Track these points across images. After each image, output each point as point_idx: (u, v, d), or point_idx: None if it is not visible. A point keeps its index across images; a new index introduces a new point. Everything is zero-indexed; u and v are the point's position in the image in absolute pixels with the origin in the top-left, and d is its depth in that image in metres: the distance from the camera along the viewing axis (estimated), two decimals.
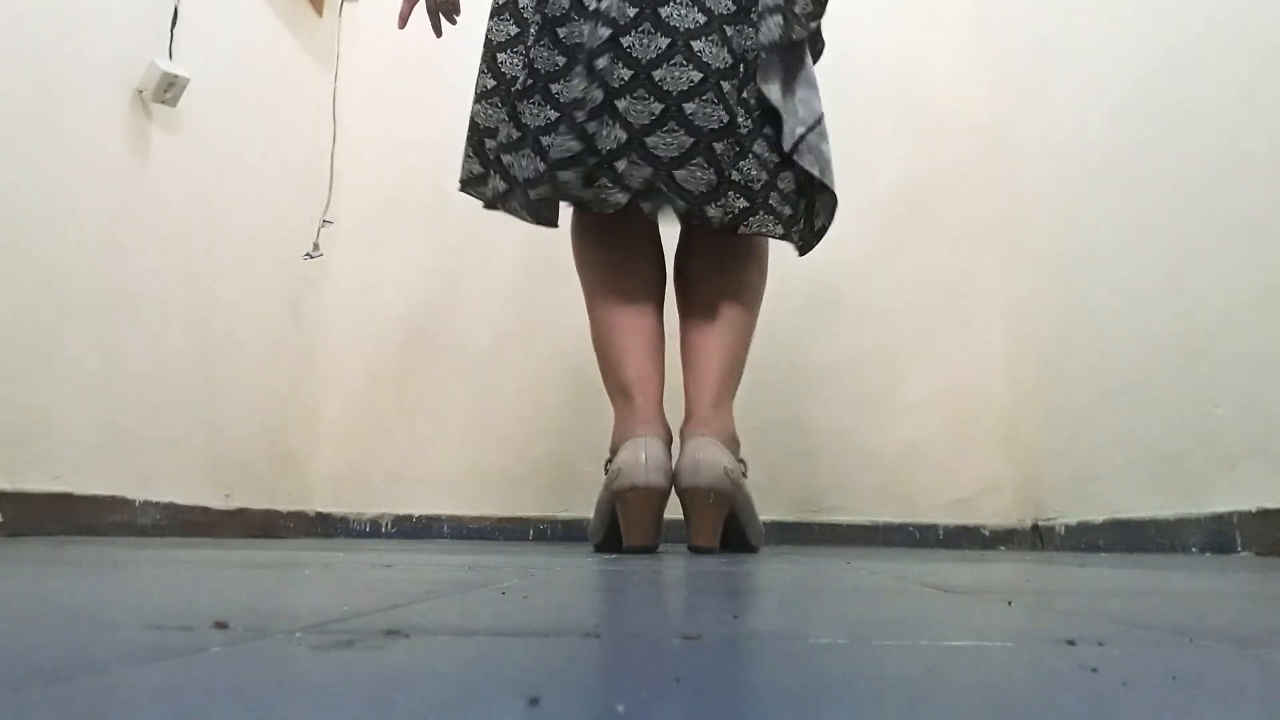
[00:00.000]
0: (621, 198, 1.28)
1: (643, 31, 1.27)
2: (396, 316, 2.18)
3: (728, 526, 1.30)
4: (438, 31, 1.52)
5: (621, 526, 1.26)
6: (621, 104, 1.26)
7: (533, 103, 1.31)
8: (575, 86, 1.27)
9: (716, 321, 1.35)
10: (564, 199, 1.33)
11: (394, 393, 2.14)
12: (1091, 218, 1.73)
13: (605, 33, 1.26)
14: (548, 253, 2.16)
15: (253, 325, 1.85)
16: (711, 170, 1.28)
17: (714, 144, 1.27)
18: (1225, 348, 1.36)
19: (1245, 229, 1.32)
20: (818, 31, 1.40)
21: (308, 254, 2.00)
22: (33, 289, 1.27)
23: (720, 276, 1.38)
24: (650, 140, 1.26)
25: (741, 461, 1.34)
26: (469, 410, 2.12)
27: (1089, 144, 1.74)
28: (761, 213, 1.30)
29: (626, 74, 1.26)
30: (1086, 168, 1.75)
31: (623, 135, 1.26)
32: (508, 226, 2.17)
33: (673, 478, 1.27)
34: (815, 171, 1.31)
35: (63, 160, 1.33)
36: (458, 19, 1.53)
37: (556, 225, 1.38)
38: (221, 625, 0.33)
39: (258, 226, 1.86)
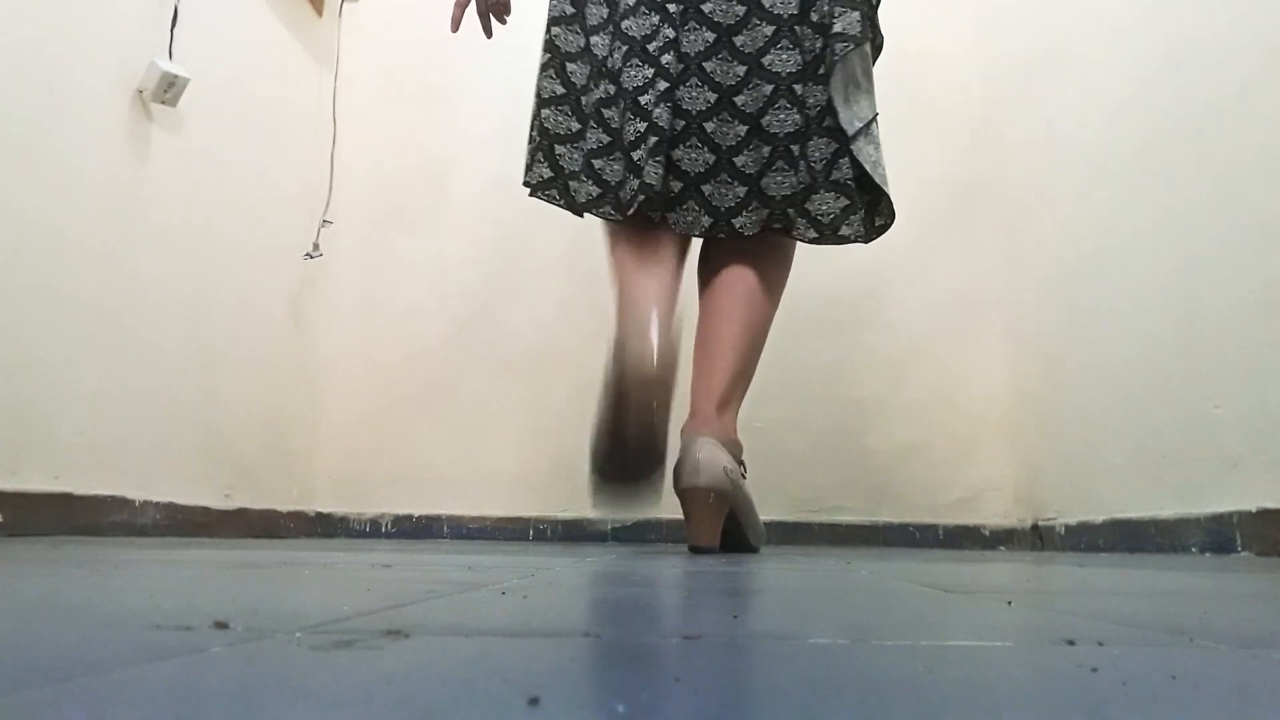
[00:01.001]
0: (706, 221, 1.31)
1: (721, 59, 1.31)
2: (396, 316, 2.18)
3: (727, 527, 1.30)
4: (488, 32, 1.53)
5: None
6: (709, 125, 1.31)
7: (618, 110, 1.33)
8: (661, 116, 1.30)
9: (733, 323, 1.35)
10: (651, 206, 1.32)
11: (394, 393, 2.14)
12: (1092, 219, 1.73)
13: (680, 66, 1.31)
14: (548, 252, 2.16)
15: (253, 325, 1.85)
16: (792, 173, 1.32)
17: (791, 147, 1.32)
18: (1225, 348, 1.36)
19: (1245, 229, 1.32)
20: (877, 26, 1.41)
21: (308, 254, 2.00)
22: (33, 288, 1.27)
23: (743, 278, 1.38)
24: (738, 160, 1.31)
25: (742, 464, 1.34)
26: (469, 410, 2.12)
27: (1089, 145, 1.74)
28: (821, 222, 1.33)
29: (712, 97, 1.31)
30: (1087, 169, 1.75)
31: (710, 158, 1.31)
32: (507, 225, 2.18)
33: (671, 478, 1.27)
34: (867, 168, 1.32)
35: (63, 160, 1.33)
36: (508, 19, 1.54)
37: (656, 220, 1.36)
38: (222, 625, 0.33)
39: (258, 226, 1.86)
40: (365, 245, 2.20)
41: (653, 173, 1.28)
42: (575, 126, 1.38)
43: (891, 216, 1.38)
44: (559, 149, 1.39)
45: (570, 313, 2.12)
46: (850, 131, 1.31)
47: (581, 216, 1.42)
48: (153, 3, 1.53)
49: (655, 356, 1.22)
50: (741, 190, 1.32)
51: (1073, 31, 1.83)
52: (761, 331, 1.38)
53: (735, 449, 1.33)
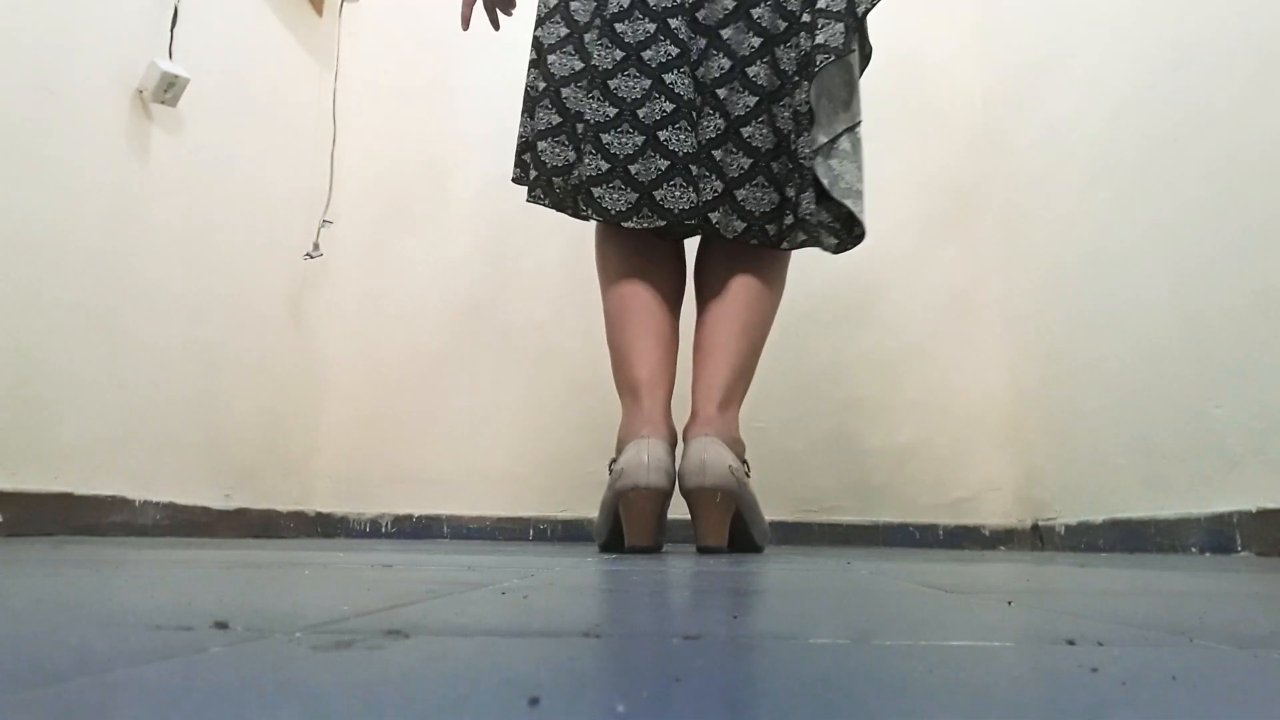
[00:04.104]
0: (691, 198, 1.30)
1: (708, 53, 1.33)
2: (396, 316, 2.18)
3: (733, 526, 1.30)
4: (495, 25, 1.52)
5: (624, 526, 1.27)
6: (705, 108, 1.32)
7: (592, 98, 1.34)
8: (644, 97, 1.30)
9: (731, 323, 1.35)
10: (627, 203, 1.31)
11: (393, 393, 2.14)
12: (1092, 218, 1.73)
13: (674, 50, 1.31)
14: (549, 251, 2.16)
15: (253, 325, 1.85)
16: (772, 189, 1.32)
17: (771, 164, 1.32)
18: (1225, 348, 1.36)
19: (1246, 229, 1.32)
20: (865, 36, 1.41)
21: (308, 254, 2.01)
22: (33, 289, 1.27)
23: (740, 278, 1.38)
24: (716, 155, 1.31)
25: (745, 463, 1.34)
26: (469, 410, 2.12)
27: (1089, 144, 1.74)
28: (801, 232, 1.34)
29: (693, 91, 1.31)
30: (1087, 168, 1.75)
31: (691, 146, 1.30)
32: (507, 225, 2.18)
33: (677, 478, 1.27)
34: (825, 183, 1.32)
35: (63, 160, 1.33)
36: (514, 11, 1.54)
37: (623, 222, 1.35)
38: (222, 625, 0.33)
39: (258, 226, 1.86)
40: (365, 245, 2.20)
41: (672, 195, 1.29)
42: (556, 120, 1.37)
43: (861, 231, 1.38)
44: (541, 145, 1.39)
45: (571, 312, 2.12)
46: (811, 149, 1.32)
47: (565, 212, 1.41)
48: (153, 3, 1.53)
49: (653, 474, 1.24)
50: (720, 185, 1.32)
51: (1072, 32, 1.83)
52: (761, 331, 1.38)
53: (739, 448, 1.33)
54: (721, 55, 1.32)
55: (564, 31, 1.38)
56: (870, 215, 2.16)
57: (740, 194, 1.31)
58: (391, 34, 2.30)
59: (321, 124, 2.11)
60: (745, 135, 1.31)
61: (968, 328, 2.11)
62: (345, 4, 2.24)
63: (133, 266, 1.48)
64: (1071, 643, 0.32)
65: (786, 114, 1.33)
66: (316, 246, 2.02)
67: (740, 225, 1.33)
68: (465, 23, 1.49)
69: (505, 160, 2.17)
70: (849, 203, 1.33)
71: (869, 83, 2.19)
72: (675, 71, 1.31)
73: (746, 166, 1.31)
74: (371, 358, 2.16)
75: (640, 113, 1.31)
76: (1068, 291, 1.82)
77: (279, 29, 1.97)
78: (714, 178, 1.31)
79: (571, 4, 1.38)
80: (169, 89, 1.51)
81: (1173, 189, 1.49)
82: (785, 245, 1.36)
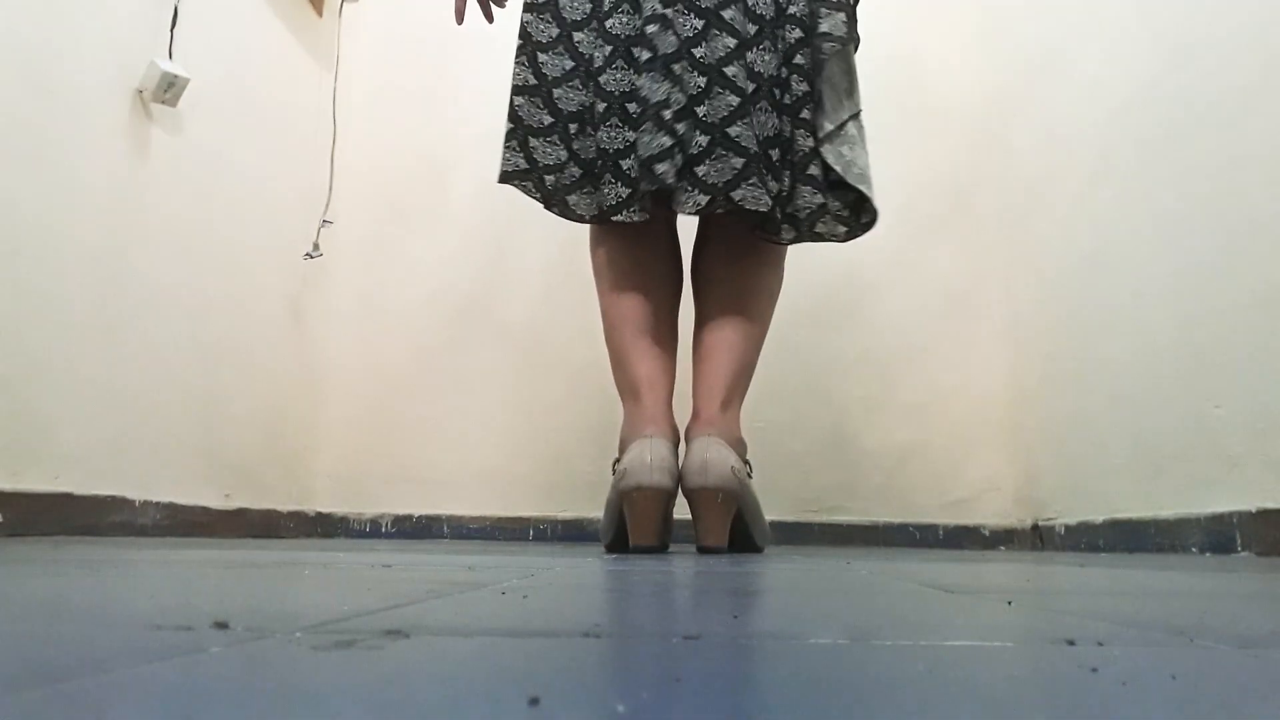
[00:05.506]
0: (702, 199, 1.27)
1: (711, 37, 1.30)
2: (396, 317, 2.18)
3: (734, 526, 1.30)
4: (489, 17, 1.51)
5: (628, 526, 1.27)
6: (700, 109, 1.28)
7: (580, 91, 1.33)
8: (656, 90, 1.27)
9: (730, 322, 1.35)
10: (647, 192, 1.29)
11: (394, 392, 2.14)
12: (1092, 218, 1.73)
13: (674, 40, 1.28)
14: (549, 250, 2.16)
15: (253, 325, 1.85)
16: (771, 178, 1.30)
17: (769, 152, 1.30)
18: (1225, 348, 1.36)
19: (1246, 229, 1.32)
20: (855, 24, 1.41)
21: (308, 254, 2.00)
22: (33, 289, 1.27)
23: (737, 278, 1.38)
24: (732, 131, 1.28)
25: (747, 463, 1.34)
26: (469, 409, 2.12)
27: (1090, 144, 1.74)
28: (822, 219, 1.33)
29: (702, 80, 1.28)
30: (1086, 168, 1.75)
31: (704, 139, 1.28)
32: (507, 224, 2.18)
33: (679, 478, 1.27)
34: (839, 169, 1.32)
35: (63, 160, 1.33)
36: (506, 3, 1.53)
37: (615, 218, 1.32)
38: (221, 625, 0.33)
39: (258, 226, 1.86)
40: (365, 245, 2.20)
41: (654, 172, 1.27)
42: (548, 120, 1.36)
43: (873, 216, 1.37)
44: (533, 141, 1.38)
45: (571, 312, 2.12)
46: (820, 134, 1.32)
47: (553, 211, 1.39)
48: (153, 3, 1.53)
49: (657, 474, 1.23)
50: (739, 162, 1.29)
51: (1073, 31, 1.83)
52: (761, 330, 1.38)
53: (740, 448, 1.33)
54: (725, 35, 1.30)
55: (555, 31, 1.37)
56: None
57: (737, 194, 1.29)
58: (391, 34, 2.30)
59: (321, 124, 2.11)
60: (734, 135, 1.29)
61: (968, 328, 2.11)
62: (345, 4, 2.24)
63: (132, 266, 1.48)
64: (1071, 643, 0.32)
65: (784, 103, 1.32)
66: (316, 246, 2.02)
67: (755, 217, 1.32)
68: (459, 16, 1.48)
69: None
70: (863, 188, 1.33)
71: (869, 83, 2.20)
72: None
73: (739, 166, 1.29)
74: (371, 357, 2.16)
75: (629, 106, 1.30)
76: (1067, 292, 1.82)
77: (279, 29, 1.97)
78: (731, 155, 1.29)
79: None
80: (169, 89, 1.51)
81: (1173, 189, 1.49)
82: (792, 238, 1.34)
